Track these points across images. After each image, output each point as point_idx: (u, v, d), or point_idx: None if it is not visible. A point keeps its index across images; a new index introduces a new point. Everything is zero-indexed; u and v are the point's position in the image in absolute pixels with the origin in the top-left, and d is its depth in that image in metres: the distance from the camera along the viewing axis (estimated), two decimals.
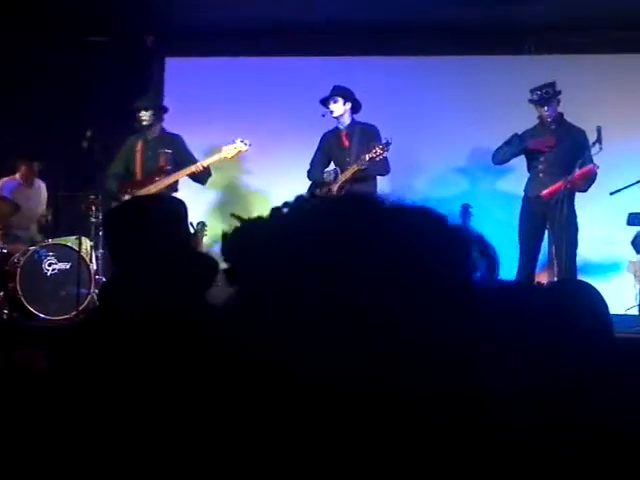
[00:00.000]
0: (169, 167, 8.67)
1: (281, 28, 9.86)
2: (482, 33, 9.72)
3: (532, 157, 8.45)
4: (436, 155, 9.84)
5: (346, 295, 1.17)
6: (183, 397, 1.49)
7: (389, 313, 1.16)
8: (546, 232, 8.32)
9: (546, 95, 8.37)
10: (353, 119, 8.70)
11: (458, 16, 9.34)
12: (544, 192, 8.17)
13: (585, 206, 8.47)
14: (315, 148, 8.81)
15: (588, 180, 8.12)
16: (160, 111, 8.92)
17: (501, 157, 8.52)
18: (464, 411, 1.16)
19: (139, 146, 8.79)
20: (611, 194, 8.12)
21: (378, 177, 8.57)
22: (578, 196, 8.28)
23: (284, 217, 1.24)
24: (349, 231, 1.20)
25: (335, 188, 8.40)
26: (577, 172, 8.10)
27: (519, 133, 8.49)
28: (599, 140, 7.98)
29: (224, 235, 1.25)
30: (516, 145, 8.41)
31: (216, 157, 8.58)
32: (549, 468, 1.35)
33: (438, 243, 1.22)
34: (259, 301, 1.20)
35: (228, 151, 8.59)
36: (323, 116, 8.64)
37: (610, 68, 9.67)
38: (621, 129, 9.08)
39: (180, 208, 3.04)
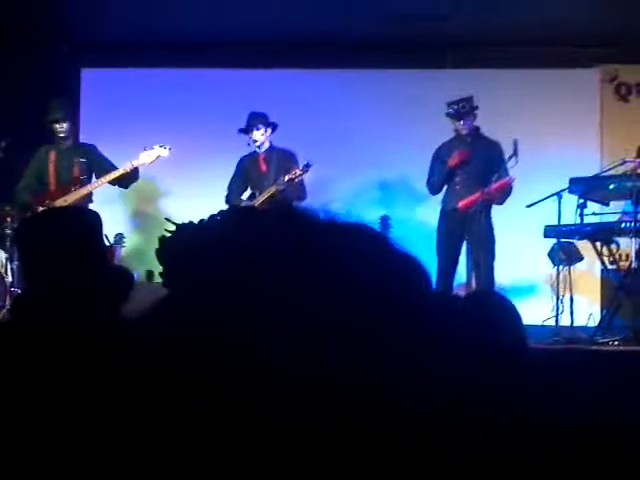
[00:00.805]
0: (84, 177, 8.57)
1: (198, 41, 9.82)
2: (403, 47, 9.79)
3: (449, 170, 8.52)
4: (355, 167, 9.85)
5: (276, 308, 1.15)
6: (93, 415, 1.46)
7: (315, 324, 1.15)
8: (464, 245, 8.39)
9: (462, 109, 8.46)
10: (271, 144, 8.69)
11: (378, 31, 9.38)
12: (460, 204, 8.25)
13: (502, 219, 8.56)
14: (233, 165, 8.79)
15: (504, 192, 8.22)
16: (75, 122, 8.82)
17: (437, 188, 8.61)
18: (372, 422, 1.15)
19: (52, 157, 8.65)
20: (528, 207, 8.21)
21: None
22: (496, 209, 8.37)
23: (220, 224, 1.23)
24: (284, 244, 1.19)
25: (257, 204, 8.37)
26: (493, 185, 8.19)
27: (436, 149, 8.57)
28: (515, 153, 8.09)
29: (161, 239, 1.24)
30: (441, 170, 8.50)
31: (135, 162, 8.49)
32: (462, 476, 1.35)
33: (372, 259, 1.21)
34: (195, 303, 1.19)
35: (147, 156, 8.52)
36: (248, 145, 8.61)
37: (526, 82, 9.80)
38: (537, 142, 9.20)
39: (94, 220, 2.99)
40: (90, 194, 8.57)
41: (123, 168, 8.43)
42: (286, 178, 8.28)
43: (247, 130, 8.66)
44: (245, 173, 8.79)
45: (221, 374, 1.13)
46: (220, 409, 1.13)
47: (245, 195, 8.78)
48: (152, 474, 1.14)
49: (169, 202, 10.11)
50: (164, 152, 8.58)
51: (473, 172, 8.37)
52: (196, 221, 1.26)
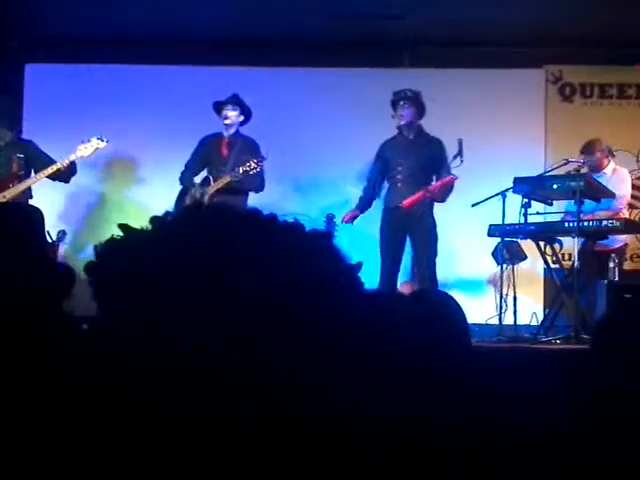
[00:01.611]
0: (22, 172, 8.46)
1: (143, 37, 9.74)
2: (360, 46, 9.79)
3: (390, 168, 8.54)
4: (309, 165, 9.83)
5: (215, 309, 1.14)
6: (27, 415, 1.44)
7: (257, 327, 1.14)
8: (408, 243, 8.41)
9: (401, 95, 8.48)
10: (238, 130, 8.64)
11: (335, 29, 9.37)
12: (404, 202, 8.27)
13: (448, 217, 8.60)
14: (178, 163, 8.72)
15: (447, 190, 8.24)
16: (19, 120, 8.72)
17: (369, 188, 8.67)
18: (324, 418, 1.15)
19: None
20: (473, 206, 8.26)
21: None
22: (441, 207, 8.39)
23: (157, 231, 1.21)
24: (223, 245, 1.18)
25: (206, 198, 8.29)
26: (436, 183, 8.24)
27: (379, 147, 8.60)
28: (460, 152, 8.12)
29: (95, 248, 1.23)
30: (373, 168, 8.59)
31: (73, 156, 8.40)
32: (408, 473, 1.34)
33: (308, 259, 1.21)
34: (121, 318, 1.18)
35: (85, 149, 8.44)
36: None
37: (477, 82, 9.83)
38: (483, 141, 9.25)
39: (35, 216, 2.95)
40: (29, 190, 8.46)
41: (60, 162, 8.34)
42: (241, 170, 8.24)
43: (223, 104, 8.60)
44: (205, 153, 8.71)
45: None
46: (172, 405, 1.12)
47: (199, 178, 8.71)
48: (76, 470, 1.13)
49: (115, 198, 10.06)
50: (102, 144, 8.50)
51: (415, 170, 8.39)
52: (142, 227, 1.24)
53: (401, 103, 8.48)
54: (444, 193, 8.22)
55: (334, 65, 9.92)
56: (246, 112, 8.63)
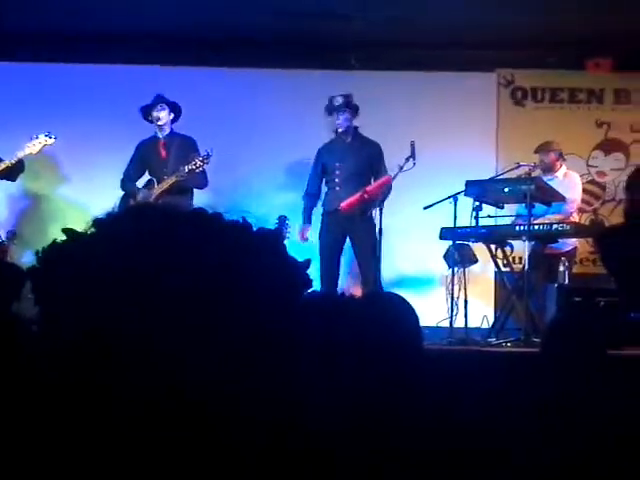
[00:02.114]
0: None
1: (94, 34, 9.63)
2: (308, 46, 9.77)
3: (328, 171, 8.60)
4: (257, 167, 9.80)
5: (158, 310, 1.13)
6: None
7: (200, 327, 1.14)
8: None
9: (334, 104, 8.53)
10: (172, 130, 8.62)
11: (282, 29, 9.34)
12: (342, 205, 8.31)
13: (399, 220, 8.62)
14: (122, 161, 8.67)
15: (384, 191, 8.21)
16: None
17: (308, 190, 8.73)
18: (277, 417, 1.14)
19: None
20: (425, 208, 8.27)
21: (196, 190, 8.51)
22: (393, 210, 8.41)
23: (100, 233, 1.20)
24: (167, 245, 1.17)
25: (152, 199, 8.26)
26: (372, 184, 8.27)
27: (317, 150, 8.64)
28: (413, 155, 8.13)
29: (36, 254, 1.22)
30: (312, 172, 8.67)
31: (21, 153, 8.32)
32: (358, 473, 1.35)
33: (255, 257, 1.20)
34: (64, 322, 1.17)
35: (33, 146, 8.37)
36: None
37: (427, 84, 9.87)
38: (435, 144, 9.29)
39: None
40: None
41: (9, 160, 8.27)
42: (187, 169, 8.21)
43: (151, 108, 8.56)
44: (143, 158, 8.67)
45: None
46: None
47: (141, 182, 8.67)
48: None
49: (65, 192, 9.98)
50: (50, 141, 8.44)
51: (352, 172, 8.44)
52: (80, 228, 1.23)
53: (335, 113, 8.54)
54: (382, 194, 8.20)
55: (278, 66, 9.89)
56: (175, 109, 8.61)
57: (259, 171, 9.80)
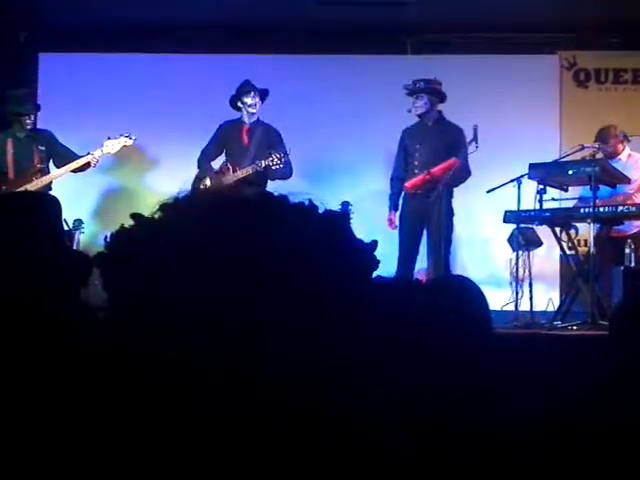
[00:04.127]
0: (43, 165, 8.44)
1: (156, 25, 9.72)
2: (364, 33, 9.76)
3: (408, 154, 8.53)
4: (320, 153, 9.80)
5: (228, 296, 1.14)
6: (45, 399, 1.44)
7: (272, 313, 1.14)
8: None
9: (415, 87, 8.48)
10: (258, 117, 8.62)
11: (339, 16, 9.34)
12: (406, 184, 8.28)
13: (463, 204, 8.57)
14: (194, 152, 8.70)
15: (450, 174, 8.08)
16: (36, 110, 8.70)
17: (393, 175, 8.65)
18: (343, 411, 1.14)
19: (9, 145, 8.48)
20: (488, 192, 8.23)
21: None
22: (456, 193, 8.37)
23: (167, 218, 1.21)
24: (234, 230, 1.18)
25: (231, 181, 8.24)
26: (438, 166, 8.19)
27: (401, 134, 8.59)
28: (475, 139, 8.08)
29: (105, 240, 1.23)
30: (397, 157, 8.60)
31: (99, 152, 8.39)
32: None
33: (321, 239, 1.20)
34: (132, 309, 1.18)
35: (112, 146, 8.44)
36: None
37: (488, 68, 9.83)
38: (498, 128, 9.23)
39: (52, 205, 2.95)
40: (50, 181, 8.45)
41: (86, 158, 8.33)
42: (263, 163, 8.24)
43: (243, 94, 8.53)
44: (224, 139, 8.67)
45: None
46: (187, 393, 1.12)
47: (217, 163, 8.68)
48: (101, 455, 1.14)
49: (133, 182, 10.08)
50: (129, 142, 8.52)
51: (432, 156, 8.36)
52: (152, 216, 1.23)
53: (414, 96, 8.49)
54: (449, 177, 8.09)
55: (341, 52, 9.89)
56: (263, 96, 8.58)
57: (322, 155, 9.78)
